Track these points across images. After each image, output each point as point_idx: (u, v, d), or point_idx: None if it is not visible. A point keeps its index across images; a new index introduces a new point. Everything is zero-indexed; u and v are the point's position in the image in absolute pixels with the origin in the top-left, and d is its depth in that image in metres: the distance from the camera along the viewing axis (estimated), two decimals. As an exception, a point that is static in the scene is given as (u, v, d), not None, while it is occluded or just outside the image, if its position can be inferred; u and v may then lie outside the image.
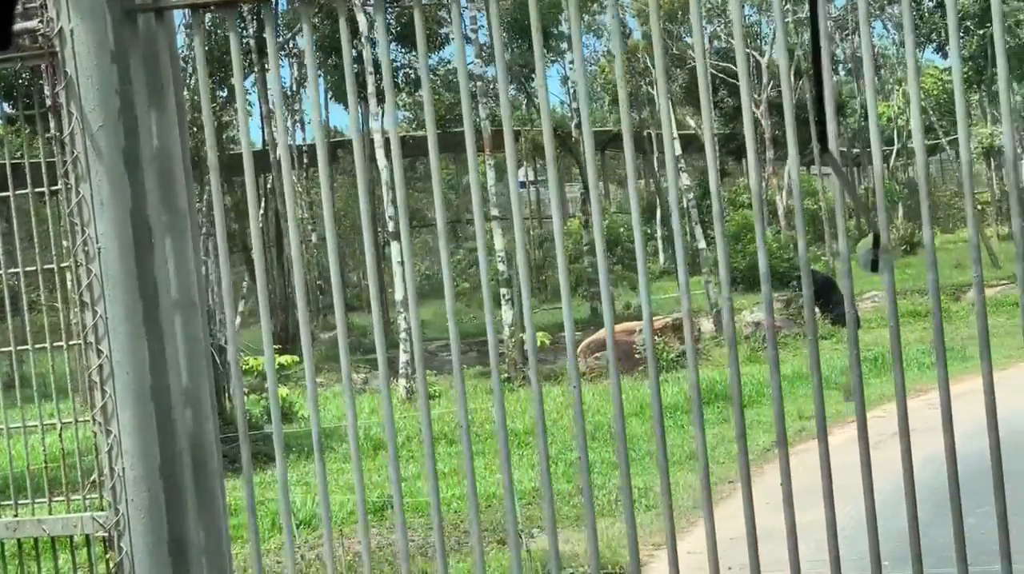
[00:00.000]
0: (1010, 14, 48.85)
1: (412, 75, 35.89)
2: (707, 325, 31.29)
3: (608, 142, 53.05)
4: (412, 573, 10.76)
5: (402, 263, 23.43)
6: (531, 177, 59.60)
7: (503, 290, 27.30)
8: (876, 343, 22.31)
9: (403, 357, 25.87)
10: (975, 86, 57.90)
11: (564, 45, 43.92)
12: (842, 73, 65.37)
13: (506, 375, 24.33)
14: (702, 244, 35.97)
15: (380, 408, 21.80)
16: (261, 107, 36.91)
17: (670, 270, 41.39)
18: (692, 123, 50.97)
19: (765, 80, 47.93)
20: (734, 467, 13.72)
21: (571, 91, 43.85)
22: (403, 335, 26.41)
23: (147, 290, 4.36)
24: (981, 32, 54.06)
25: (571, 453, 15.54)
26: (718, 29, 52.67)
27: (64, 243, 4.53)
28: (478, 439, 16.55)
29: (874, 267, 4.42)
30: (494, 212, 28.86)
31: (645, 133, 41.37)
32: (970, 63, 55.13)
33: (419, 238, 62.67)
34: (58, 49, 4.39)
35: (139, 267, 4.35)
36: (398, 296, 26.63)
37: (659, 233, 48.12)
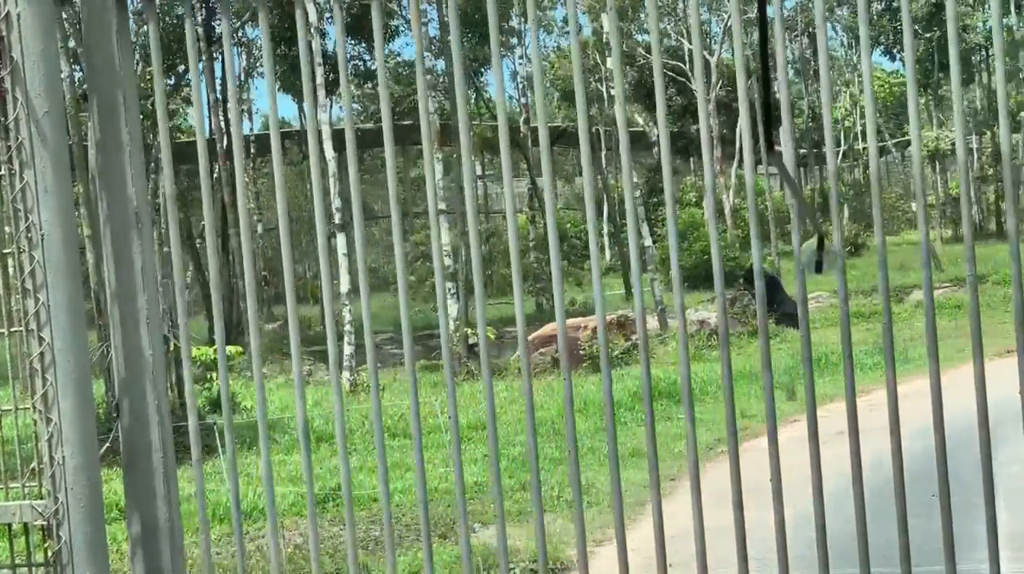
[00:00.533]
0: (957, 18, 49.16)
1: (361, 67, 35.75)
2: (652, 322, 31.35)
3: (556, 138, 53.09)
4: (362, 565, 10.72)
5: (347, 255, 23.24)
6: (479, 172, 59.56)
7: (448, 284, 27.30)
8: (820, 343, 22.37)
9: (347, 350, 25.78)
10: (922, 89, 58.40)
11: (514, 40, 43.90)
12: (791, 74, 65.75)
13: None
14: (648, 242, 36.03)
15: (324, 400, 21.74)
16: (208, 96, 36.68)
17: (615, 267, 41.47)
18: (640, 120, 51.07)
19: (714, 79, 48.08)
20: (675, 465, 13.76)
21: (520, 86, 43.80)
22: (347, 327, 26.32)
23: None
24: (928, 35, 54.54)
25: (513, 448, 15.52)
26: (667, 27, 52.81)
27: (7, 229, 4.46)
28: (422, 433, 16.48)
29: (818, 268, 4.40)
30: (440, 206, 28.82)
31: (593, 129, 41.39)
32: (917, 66, 55.60)
33: (365, 229, 62.35)
34: (4, 34, 4.32)
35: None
36: (343, 288, 26.53)
37: (605, 229, 48.15)
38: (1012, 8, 52.22)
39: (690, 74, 48.70)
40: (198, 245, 43.05)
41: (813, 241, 4.43)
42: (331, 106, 36.93)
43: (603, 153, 48.98)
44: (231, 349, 24.43)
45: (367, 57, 34.66)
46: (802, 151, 64.41)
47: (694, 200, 52.60)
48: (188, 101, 37.49)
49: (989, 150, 58.63)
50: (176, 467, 4.62)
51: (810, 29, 56.34)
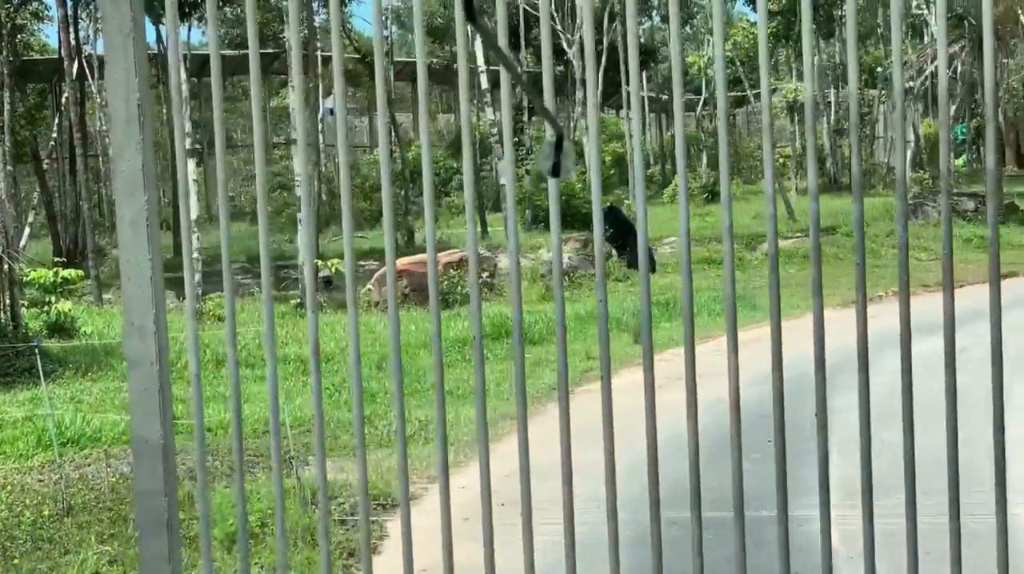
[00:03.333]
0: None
1: (221, -10, 34.99)
2: (505, 261, 31.38)
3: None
4: (187, 495, 10.54)
5: (197, 182, 22.82)
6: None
7: (299, 215, 26.93)
8: (671, 287, 22.62)
9: (195, 278, 25.39)
10: (783, 41, 59.04)
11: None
12: (656, 19, 66.05)
13: (298, 301, 24.03)
14: (504, 180, 35.98)
15: (169, 328, 21.46)
16: (58, 11, 35.61)
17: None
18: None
19: (578, 20, 48.03)
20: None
21: (383, 19, 43.34)
22: (195, 255, 25.85)
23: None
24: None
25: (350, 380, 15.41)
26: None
27: None
28: (263, 363, 16.29)
29: (555, 171, 4.18)
30: (296, 136, 28.44)
31: (455, 67, 41.12)
32: (779, 18, 56.15)
33: (227, 159, 61.57)
34: None
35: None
36: (192, 215, 26.04)
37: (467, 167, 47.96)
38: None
39: (555, 15, 48.62)
40: (45, 166, 42.05)
41: (551, 141, 4.19)
42: (190, 30, 36.17)
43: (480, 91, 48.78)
44: (71, 273, 23.93)
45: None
46: (664, 97, 64.81)
47: (555, 142, 52.61)
48: (37, 16, 36.41)
49: (846, 104, 59.50)
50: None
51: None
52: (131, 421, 4.18)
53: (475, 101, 46.88)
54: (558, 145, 4.05)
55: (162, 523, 4.16)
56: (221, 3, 34.87)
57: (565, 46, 50.38)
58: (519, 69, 4.28)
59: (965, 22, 40.63)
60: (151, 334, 4.16)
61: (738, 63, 58.71)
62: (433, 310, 4.55)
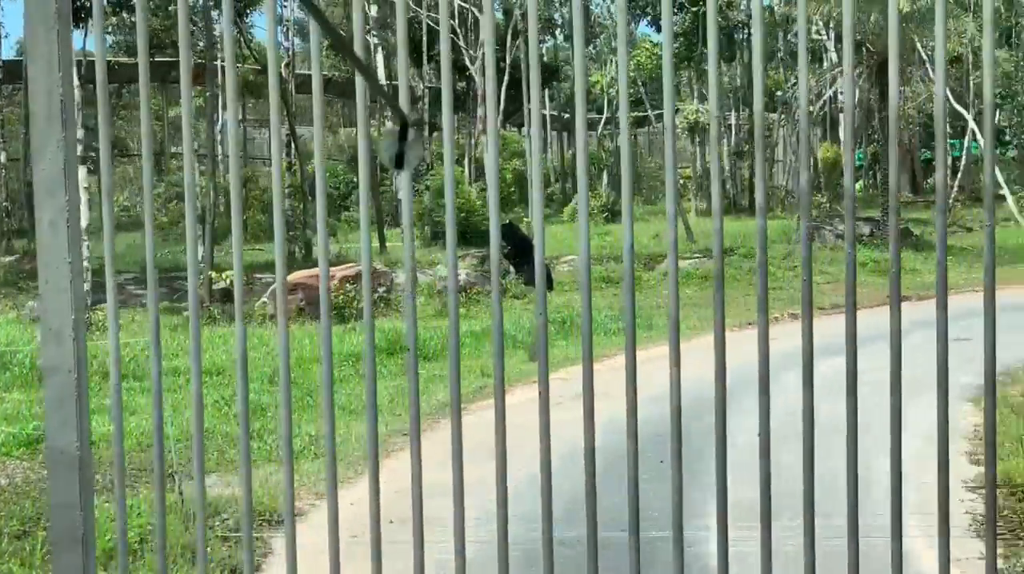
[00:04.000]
0: (720, -4, 50.19)
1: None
2: (402, 277, 31.20)
3: (322, 88, 52.21)
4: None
5: (89, 189, 22.40)
6: (240, 116, 58.48)
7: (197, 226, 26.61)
8: (567, 306, 22.59)
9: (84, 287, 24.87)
10: (685, 63, 59.51)
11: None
12: (560, 38, 66.28)
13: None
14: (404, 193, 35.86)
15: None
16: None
17: (372, 219, 41.26)
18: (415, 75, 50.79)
19: (481, 37, 48.04)
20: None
21: (285, 30, 43.09)
22: (84, 265, 25.34)
23: None
24: (695, 9, 55.58)
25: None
26: (439, -17, 52.63)
27: None
28: (149, 376, 15.98)
29: (399, 163, 4.01)
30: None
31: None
32: (681, 39, 56.60)
33: (119, 167, 60.82)
34: None
35: None
36: (82, 223, 25.52)
37: (366, 182, 47.76)
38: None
39: (458, 30, 48.63)
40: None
41: (394, 130, 4.04)
42: (85, 35, 35.65)
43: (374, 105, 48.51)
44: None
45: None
46: (566, 116, 65.04)
47: (455, 158, 52.58)
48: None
49: (747, 127, 60.13)
50: None
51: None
52: (47, 431, 4.03)
53: (377, 115, 46.73)
54: (403, 135, 3.89)
55: (77, 538, 4.01)
56: (116, 9, 34.46)
57: (468, 62, 50.38)
58: (363, 63, 4.08)
59: (863, 48, 41.19)
60: (69, 340, 4.01)
61: (640, 84, 59.09)
62: (324, 324, 4.45)
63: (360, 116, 4.34)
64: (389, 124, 4.07)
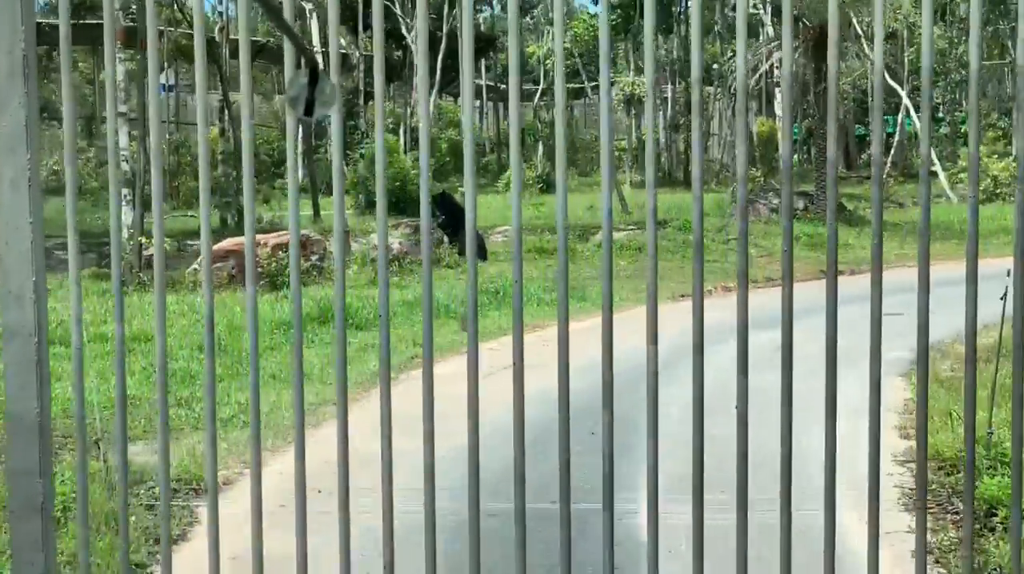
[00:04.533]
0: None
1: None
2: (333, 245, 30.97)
3: (257, 53, 51.94)
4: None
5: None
6: (171, 81, 57.94)
7: (125, 190, 26.19)
8: (501, 276, 22.53)
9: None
10: (622, 34, 59.53)
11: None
12: (497, 8, 66.12)
13: (122, 279, 23.38)
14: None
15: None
16: None
17: (305, 187, 40.81)
18: (343, 42, 50.42)
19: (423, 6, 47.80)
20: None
21: (220, -4, 42.67)
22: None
23: None
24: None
25: (174, 362, 14.99)
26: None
27: None
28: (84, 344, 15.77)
29: (308, 110, 3.76)
30: (122, 109, 27.66)
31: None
32: (619, 11, 56.60)
33: (48, 131, 60.09)
34: None
35: None
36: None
37: (300, 148, 47.44)
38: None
39: (395, 0, 48.42)
40: None
41: (304, 74, 3.79)
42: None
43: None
44: None
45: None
46: (502, 86, 64.91)
47: (391, 126, 52.36)
48: None
49: (683, 99, 60.27)
50: None
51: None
52: (6, 396, 3.92)
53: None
54: (312, 80, 3.68)
55: (36, 507, 3.91)
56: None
57: (404, 31, 50.14)
58: (290, 28, 3.91)
59: (800, 23, 41.33)
60: (30, 303, 3.90)
61: (576, 55, 59.06)
62: (249, 292, 4.38)
63: (288, 79, 4.26)
64: (297, 70, 3.89)
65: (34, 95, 3.88)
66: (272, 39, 45.94)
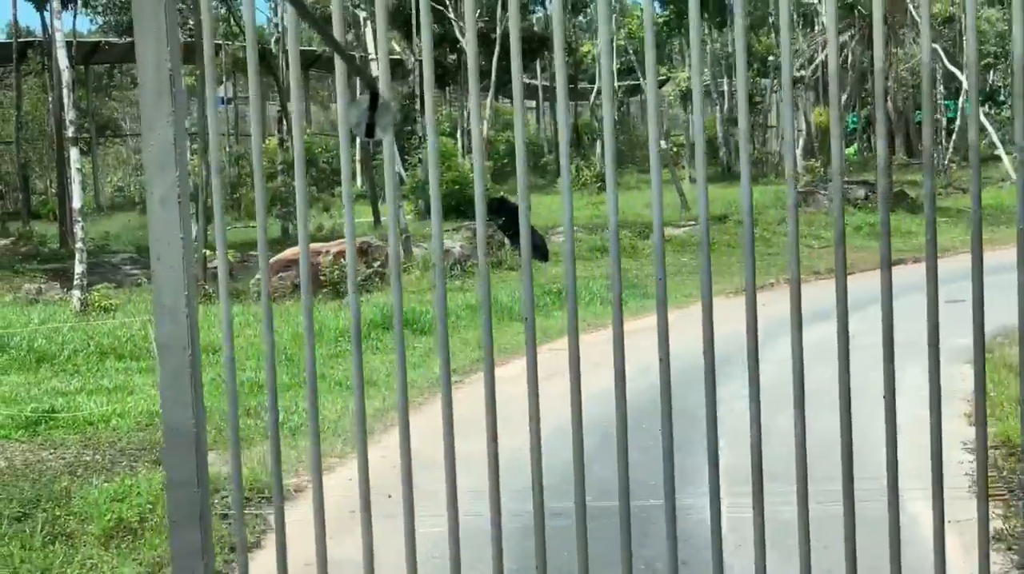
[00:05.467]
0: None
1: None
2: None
3: (312, 63, 52.21)
4: (64, 490, 10.26)
5: (81, 170, 22.19)
6: (230, 94, 58.36)
7: (190, 205, 26.41)
8: (563, 276, 22.55)
9: (79, 268, 24.62)
10: (676, 30, 59.34)
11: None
12: (550, 7, 66.11)
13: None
14: (397, 167, 35.76)
15: (52, 319, 21.00)
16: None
17: (364, 194, 40.98)
18: (398, 48, 50.66)
19: (471, 8, 47.80)
20: (412, 393, 13.61)
21: (274, 6, 42.93)
22: (79, 245, 25.16)
23: None
24: (683, -23, 55.37)
25: (242, 373, 15.13)
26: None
27: None
28: (148, 355, 15.97)
29: (369, 131, 3.90)
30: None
31: (360, 56, 40.76)
32: (671, 7, 56.43)
33: (112, 147, 60.73)
34: None
35: None
36: (75, 204, 25.33)
37: (357, 156, 47.77)
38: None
39: (448, 2, 48.49)
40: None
41: (365, 99, 3.96)
42: (75, 15, 35.49)
43: (358, 79, 48.49)
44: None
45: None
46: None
47: (448, 130, 52.51)
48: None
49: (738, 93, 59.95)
50: None
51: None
52: (162, 409, 3.99)
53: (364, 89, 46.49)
54: (373, 104, 3.79)
55: (195, 516, 3.97)
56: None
57: (458, 34, 50.24)
58: (328, 31, 3.99)
59: (856, 11, 41.07)
60: (183, 316, 3.97)
61: (630, 52, 58.96)
62: (304, 302, 4.43)
63: (339, 91, 4.30)
64: (359, 94, 4.00)
65: (181, 113, 3.93)
66: (327, 50, 46.18)
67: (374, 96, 3.83)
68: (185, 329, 3.91)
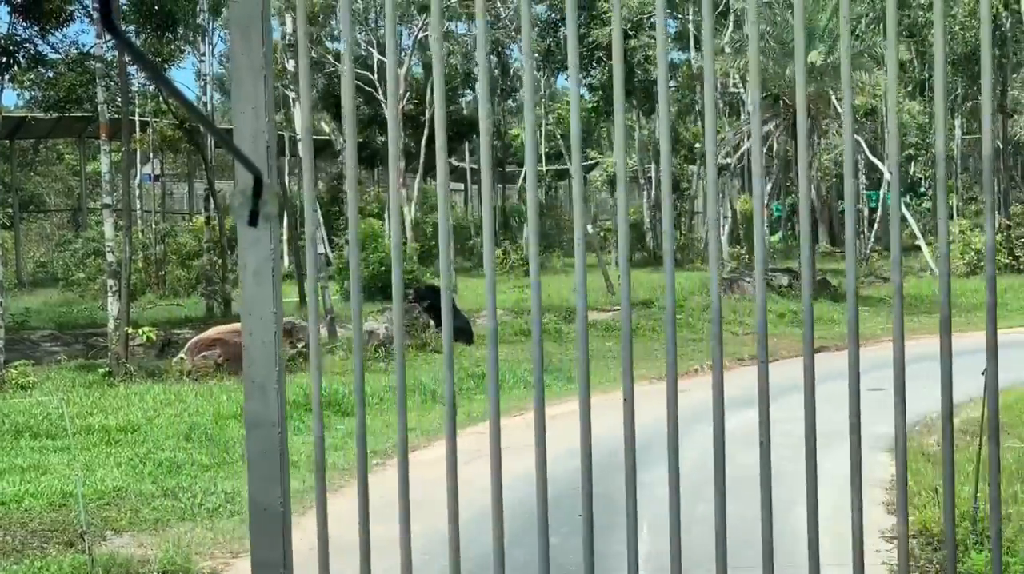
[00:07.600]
0: (638, 49, 50.64)
1: (33, 51, 33.71)
2: (322, 331, 30.96)
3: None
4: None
5: (2, 245, 22.02)
6: (157, 171, 58.10)
7: (110, 282, 26.07)
8: (487, 360, 22.51)
9: (-1, 343, 24.23)
10: (605, 115, 59.88)
11: (198, 36, 42.94)
12: (478, 92, 66.52)
13: (108, 370, 23.30)
14: (321, 249, 35.61)
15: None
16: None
17: (290, 274, 40.89)
18: (327, 128, 50.72)
19: (402, 90, 48.11)
20: (331, 475, 13.47)
21: (203, 85, 42.87)
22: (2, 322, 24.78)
23: None
24: (611, 63, 55.94)
25: (161, 452, 14.92)
26: (359, 37, 52.70)
27: None
28: (64, 434, 15.69)
29: (252, 220, 3.84)
30: (107, 201, 27.63)
31: (288, 136, 40.72)
32: (600, 92, 56.99)
33: (35, 223, 60.19)
34: None
35: None
36: (-2, 279, 24.94)
37: (285, 236, 47.68)
38: (691, 46, 54.11)
39: (378, 84, 48.66)
40: None
41: (248, 186, 3.84)
42: (1, 91, 35.19)
43: (287, 159, 48.42)
44: None
45: (39, 40, 32.77)
46: (502, 170, 65.29)
47: (374, 210, 52.53)
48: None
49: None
50: None
51: (498, 49, 57.20)
52: (249, 487, 3.86)
53: (296, 171, 46.50)
54: (256, 191, 3.75)
55: None
56: (32, 64, 33.95)
57: (387, 115, 50.29)
58: (193, 104, 3.94)
59: (780, 101, 41.66)
60: (274, 393, 3.86)
61: (559, 137, 59.41)
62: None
63: (233, 192, 4.25)
64: (240, 183, 3.92)
65: (275, 185, 3.86)
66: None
67: (259, 184, 3.78)
68: (275, 407, 3.84)
